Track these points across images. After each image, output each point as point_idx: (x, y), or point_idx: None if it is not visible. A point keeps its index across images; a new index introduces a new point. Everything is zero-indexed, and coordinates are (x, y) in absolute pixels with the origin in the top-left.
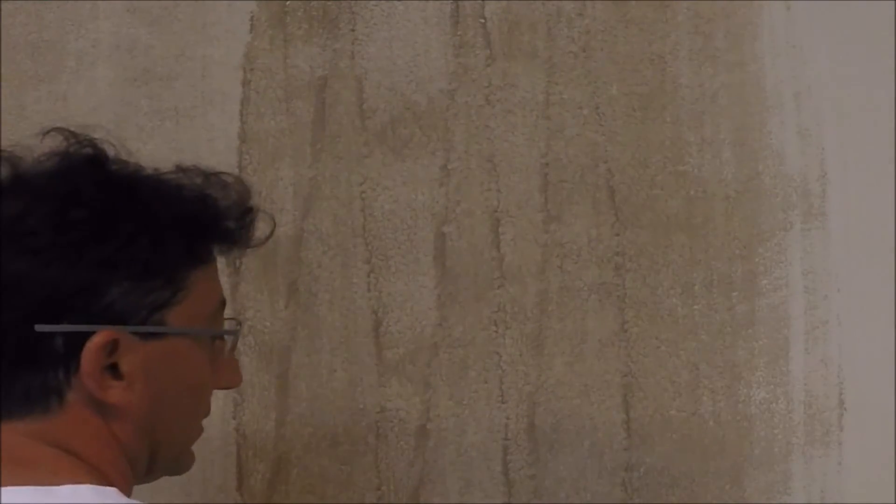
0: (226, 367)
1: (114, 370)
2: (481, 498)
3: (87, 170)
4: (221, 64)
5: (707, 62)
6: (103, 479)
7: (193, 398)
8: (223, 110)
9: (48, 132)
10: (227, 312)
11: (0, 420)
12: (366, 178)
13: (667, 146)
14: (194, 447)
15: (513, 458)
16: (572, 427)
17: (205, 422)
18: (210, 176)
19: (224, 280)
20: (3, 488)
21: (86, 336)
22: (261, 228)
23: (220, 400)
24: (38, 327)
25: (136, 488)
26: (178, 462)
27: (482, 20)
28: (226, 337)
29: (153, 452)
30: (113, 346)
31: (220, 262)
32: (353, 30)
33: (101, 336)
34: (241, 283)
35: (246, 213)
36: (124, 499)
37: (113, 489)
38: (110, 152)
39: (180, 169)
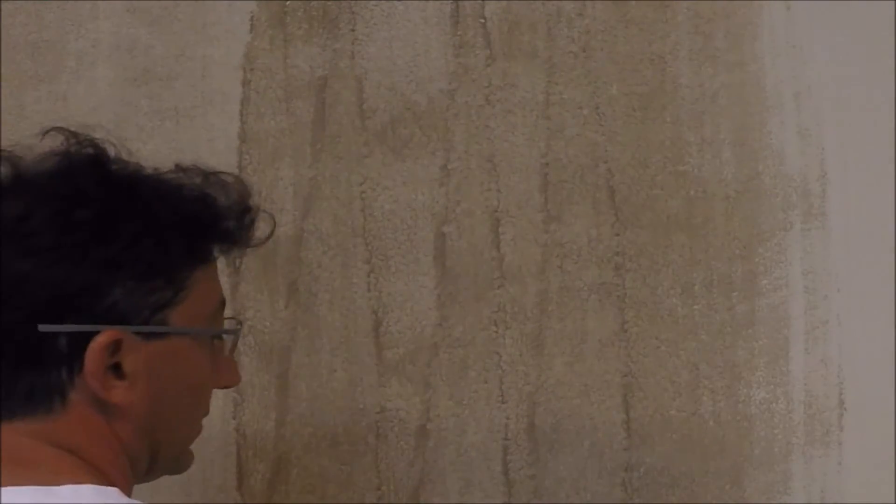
0: (225, 366)
1: (116, 370)
2: (481, 498)
3: (89, 170)
4: (221, 64)
5: (707, 62)
6: (104, 479)
7: (194, 398)
8: (223, 110)
9: (48, 132)
10: (227, 312)
11: (1, 420)
12: (366, 178)
13: (667, 146)
14: (194, 447)
15: (513, 458)
16: (572, 427)
17: (205, 422)
18: (210, 176)
19: (224, 280)
20: (4, 488)
21: (89, 336)
22: (261, 228)
23: (220, 400)
24: (42, 327)
25: (135, 488)
26: (178, 461)
27: (482, 20)
28: (225, 336)
29: (154, 452)
30: (116, 346)
31: (220, 262)
32: (353, 30)
33: (104, 336)
34: (241, 283)
35: (246, 213)
36: (125, 499)
37: (114, 489)
38: (110, 152)
39: (180, 169)
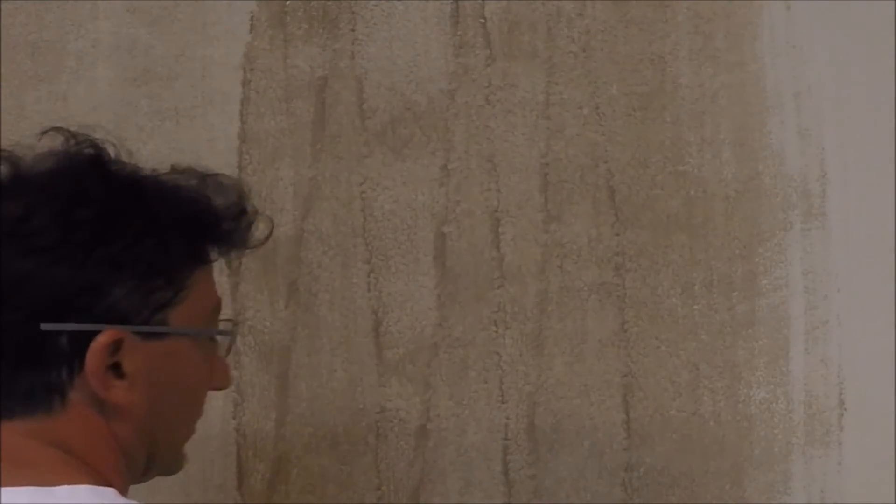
0: (218, 368)
1: (116, 370)
2: (481, 498)
3: (90, 169)
4: (221, 64)
5: (707, 62)
6: (102, 480)
7: (190, 398)
8: (223, 110)
9: (47, 132)
10: (227, 312)
11: (0, 419)
12: (366, 178)
13: (667, 146)
14: (194, 447)
15: (513, 458)
16: (572, 427)
17: (205, 422)
18: (207, 178)
19: (224, 280)
20: (3, 488)
21: (90, 335)
22: (258, 230)
23: (220, 400)
24: (44, 326)
25: (132, 488)
26: (173, 462)
27: (482, 20)
28: (220, 338)
29: (151, 452)
30: (116, 346)
31: (220, 263)
32: (353, 30)
33: (106, 335)
34: (241, 283)
35: (244, 215)
36: (122, 499)
37: (111, 489)
38: (110, 153)
39: (176, 170)
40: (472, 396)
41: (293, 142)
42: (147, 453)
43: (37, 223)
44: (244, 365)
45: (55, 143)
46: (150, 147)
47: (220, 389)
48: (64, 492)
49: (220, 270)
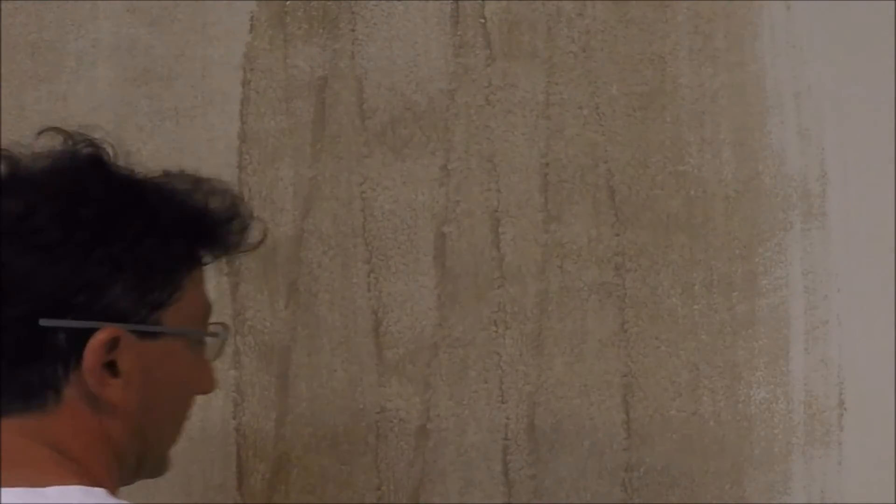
0: (206, 371)
1: (111, 368)
2: (481, 498)
3: (90, 169)
4: (221, 64)
5: (707, 62)
6: (93, 480)
7: (181, 400)
8: (223, 110)
9: (43, 132)
10: (227, 312)
11: None
12: (366, 178)
13: (667, 146)
14: (194, 447)
15: (513, 458)
16: (572, 427)
17: (205, 422)
18: (200, 181)
19: (224, 280)
20: None
21: (88, 332)
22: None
23: (220, 400)
24: (43, 322)
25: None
26: (160, 464)
27: (482, 20)
28: (209, 341)
29: (141, 452)
30: (113, 344)
31: (220, 263)
32: (353, 30)
33: (104, 333)
34: (241, 283)
35: (240, 219)
36: (112, 499)
37: (101, 490)
38: (108, 153)
39: (169, 174)
40: (472, 396)
41: (293, 142)
42: (138, 453)
43: (37, 221)
44: (244, 365)
45: (53, 143)
46: (150, 147)
47: (205, 393)
48: (54, 492)
49: (220, 270)
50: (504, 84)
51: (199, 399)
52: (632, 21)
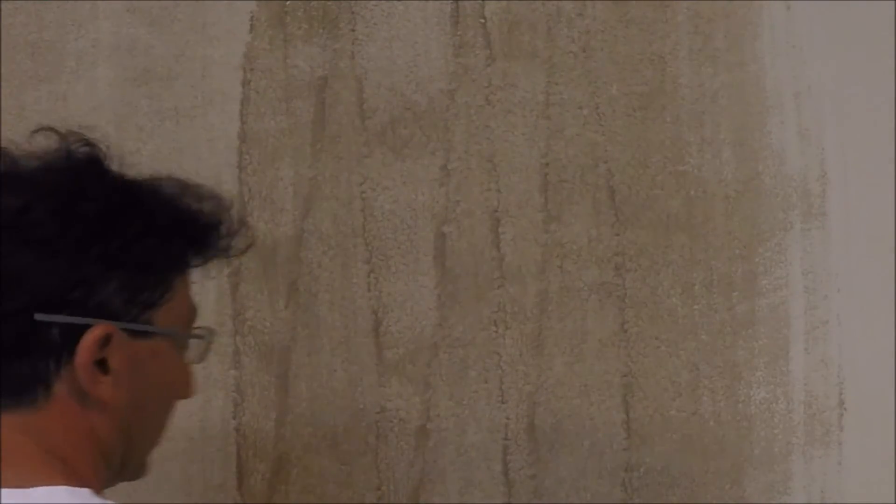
0: (187, 375)
1: (101, 365)
2: (481, 498)
3: (89, 168)
4: (221, 64)
5: (707, 62)
6: (79, 480)
7: (165, 401)
8: (223, 110)
9: (38, 131)
10: (228, 312)
11: None
12: (366, 178)
13: (667, 146)
14: (194, 447)
15: (513, 458)
16: (572, 427)
17: (205, 422)
18: (187, 186)
19: (224, 280)
20: None
21: (82, 328)
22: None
23: (220, 400)
24: (38, 316)
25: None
26: (140, 467)
27: (482, 20)
28: (194, 344)
29: (126, 452)
30: (106, 341)
31: (220, 263)
32: (353, 30)
33: (98, 329)
34: (241, 283)
35: (228, 223)
36: (97, 499)
37: (87, 490)
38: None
39: (158, 178)
40: (472, 396)
41: (293, 142)
42: (122, 454)
43: (36, 216)
44: (244, 365)
45: (49, 142)
46: (150, 147)
47: (185, 398)
48: (40, 493)
49: (220, 270)
50: (504, 84)
51: (199, 399)
52: (632, 21)
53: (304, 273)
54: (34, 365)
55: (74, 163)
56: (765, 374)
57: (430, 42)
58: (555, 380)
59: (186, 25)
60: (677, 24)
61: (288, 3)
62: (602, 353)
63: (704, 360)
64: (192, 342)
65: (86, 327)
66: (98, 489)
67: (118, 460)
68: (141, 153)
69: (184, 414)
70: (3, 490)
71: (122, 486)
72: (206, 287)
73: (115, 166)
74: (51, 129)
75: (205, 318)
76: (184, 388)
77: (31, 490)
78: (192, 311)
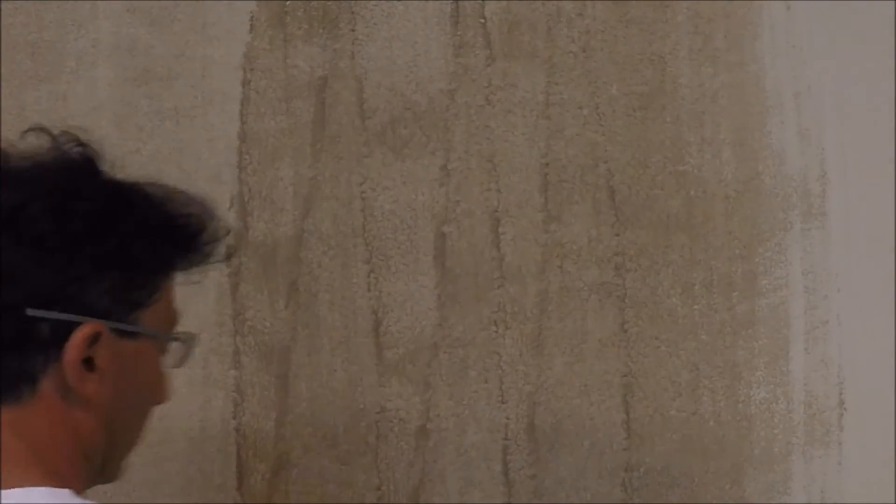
0: (165, 379)
1: (87, 364)
2: (481, 498)
3: (84, 167)
4: (221, 64)
5: (707, 62)
6: (59, 480)
7: (145, 403)
8: (223, 110)
9: (28, 131)
10: (228, 312)
11: None
12: (366, 178)
13: (667, 146)
14: (194, 447)
15: (513, 458)
16: (572, 427)
17: (205, 422)
18: (172, 191)
19: (224, 280)
20: None
21: (71, 325)
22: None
23: (220, 400)
24: (31, 312)
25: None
26: (117, 469)
27: (482, 20)
28: (175, 347)
29: (106, 453)
30: (94, 339)
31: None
32: (353, 30)
33: (88, 327)
34: (241, 283)
35: (214, 229)
36: (77, 499)
37: (66, 490)
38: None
39: (144, 182)
40: (472, 396)
41: (293, 142)
42: (104, 452)
43: (32, 213)
44: (244, 365)
45: (41, 142)
46: (150, 147)
47: (161, 403)
48: (20, 493)
49: (220, 270)
50: (504, 84)
51: (199, 399)
52: (632, 21)
53: (304, 273)
54: (23, 360)
55: (69, 162)
56: (765, 374)
57: (430, 42)
58: (555, 380)
59: (186, 25)
60: (677, 24)
61: (288, 3)
62: (602, 353)
63: (704, 360)
64: (173, 346)
65: (75, 324)
66: (79, 489)
67: (99, 460)
68: (141, 153)
69: (184, 414)
70: None
71: (122, 486)
72: (206, 287)
73: (106, 167)
74: (43, 128)
75: (205, 318)
76: (160, 393)
77: (11, 491)
78: (175, 315)
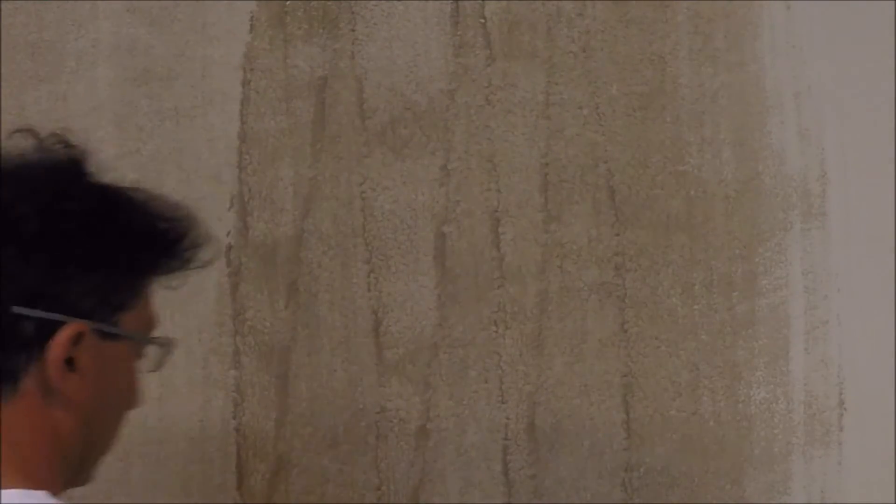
0: (139, 383)
1: (68, 364)
2: (481, 498)
3: (71, 168)
4: (221, 64)
5: (707, 62)
6: (37, 480)
7: (122, 405)
8: (223, 110)
9: (16, 132)
10: (228, 312)
11: None
12: (366, 178)
13: (667, 146)
14: (194, 447)
15: (513, 458)
16: (572, 427)
17: (205, 422)
18: (153, 197)
19: (224, 280)
20: None
21: (56, 325)
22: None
23: (220, 400)
24: (16, 309)
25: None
26: (91, 471)
27: (482, 20)
28: (154, 350)
29: (84, 454)
30: (77, 339)
31: (220, 263)
32: (353, 30)
33: (72, 327)
34: (241, 283)
35: (196, 235)
36: (52, 499)
37: (42, 492)
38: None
39: (128, 186)
40: (472, 396)
41: (293, 142)
42: (82, 453)
43: (20, 211)
44: (244, 365)
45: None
46: (150, 147)
47: (134, 408)
48: None
49: (220, 270)
50: (504, 84)
51: (199, 398)
52: (632, 21)
53: (304, 273)
54: (6, 358)
55: (57, 163)
56: (765, 374)
57: (430, 42)
58: (555, 380)
59: (186, 25)
60: (677, 24)
61: (288, 3)
62: (602, 353)
63: (704, 360)
64: (151, 350)
65: (59, 324)
66: (55, 491)
67: (76, 462)
68: (141, 153)
69: (184, 414)
70: None
71: (122, 486)
72: (206, 287)
73: (93, 168)
74: (29, 130)
75: (205, 318)
76: (135, 396)
77: None
78: (153, 320)
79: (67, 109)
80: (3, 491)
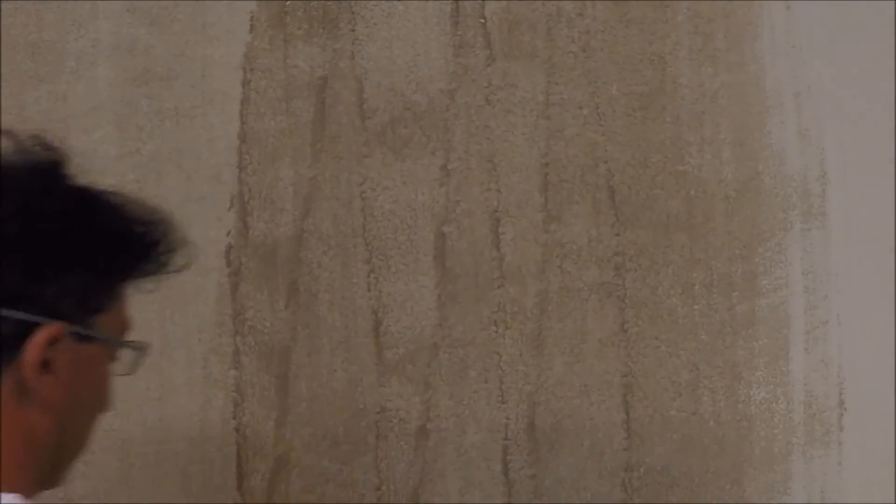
0: (110, 387)
1: (44, 366)
2: (481, 498)
3: (51, 169)
4: (221, 64)
5: (707, 62)
6: (10, 483)
7: (95, 409)
8: (223, 110)
9: None
10: (228, 312)
11: None
12: (366, 178)
13: (667, 146)
14: (194, 447)
15: (513, 458)
16: (572, 427)
17: (205, 422)
18: (131, 200)
19: (224, 280)
20: None
21: (32, 326)
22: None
23: (220, 400)
24: None
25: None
26: (63, 474)
27: (482, 20)
28: (129, 354)
29: (57, 457)
30: (54, 341)
31: (220, 263)
32: (353, 30)
33: (50, 329)
34: (241, 283)
35: (172, 240)
36: (26, 502)
37: (13, 495)
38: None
39: (104, 190)
40: (472, 396)
41: (293, 142)
42: (56, 455)
43: (2, 212)
44: (244, 365)
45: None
46: (150, 147)
47: (105, 412)
48: None
49: (220, 270)
50: (504, 84)
51: (199, 399)
52: (632, 21)
53: (304, 273)
54: None
55: (36, 165)
56: (765, 374)
57: (430, 42)
58: (555, 380)
59: (186, 25)
60: (677, 24)
61: (288, 3)
62: (602, 353)
63: (704, 360)
64: (124, 353)
65: (36, 325)
66: (29, 494)
67: (49, 465)
68: (141, 153)
69: (184, 414)
70: None
71: (122, 486)
72: (206, 287)
73: (72, 170)
74: (9, 131)
75: (205, 318)
76: (107, 400)
77: None
78: (127, 323)
79: (67, 109)
80: None
